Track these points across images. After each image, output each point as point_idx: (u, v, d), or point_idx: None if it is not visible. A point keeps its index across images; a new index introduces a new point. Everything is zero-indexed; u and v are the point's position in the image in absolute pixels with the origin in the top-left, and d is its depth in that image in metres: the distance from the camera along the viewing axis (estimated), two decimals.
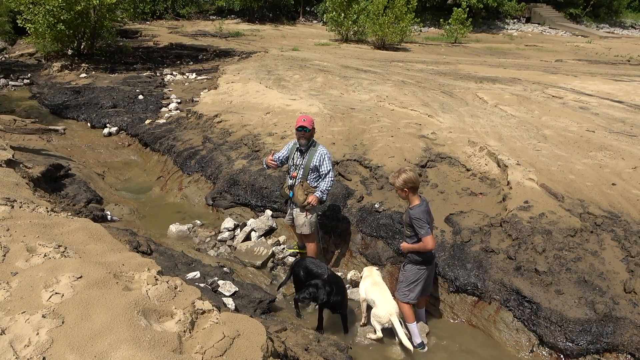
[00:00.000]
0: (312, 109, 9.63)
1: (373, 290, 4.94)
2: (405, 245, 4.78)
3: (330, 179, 5.62)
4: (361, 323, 5.16)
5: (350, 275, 5.92)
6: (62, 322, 2.50)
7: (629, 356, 4.37)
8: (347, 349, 4.24)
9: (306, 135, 5.59)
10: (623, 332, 4.44)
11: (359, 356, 4.63)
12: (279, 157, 5.87)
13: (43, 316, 2.52)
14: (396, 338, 4.80)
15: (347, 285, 5.60)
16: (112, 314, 2.57)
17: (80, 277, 2.88)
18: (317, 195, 5.56)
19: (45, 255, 3.16)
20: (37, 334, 2.41)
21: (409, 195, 4.61)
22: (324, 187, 5.60)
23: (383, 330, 4.83)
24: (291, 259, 6.30)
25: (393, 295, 4.94)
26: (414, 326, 4.85)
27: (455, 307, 5.36)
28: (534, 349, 4.72)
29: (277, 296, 5.45)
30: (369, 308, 5.01)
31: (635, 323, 4.46)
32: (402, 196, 4.76)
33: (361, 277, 5.35)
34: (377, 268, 5.40)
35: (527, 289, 4.95)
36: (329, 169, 5.60)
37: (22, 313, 2.54)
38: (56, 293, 2.72)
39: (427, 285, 4.95)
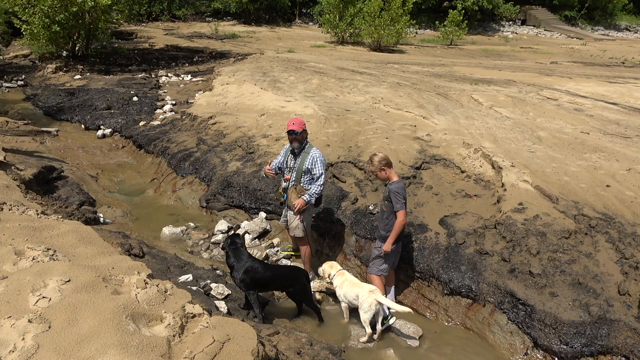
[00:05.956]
0: (307, 111, 9.61)
1: (352, 290, 5.02)
2: (387, 245, 5.08)
3: (320, 182, 5.58)
4: (345, 320, 5.21)
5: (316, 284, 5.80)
6: (49, 327, 2.47)
7: (623, 359, 4.35)
8: (340, 352, 4.21)
9: (298, 139, 5.56)
10: (617, 335, 4.43)
11: None
12: (276, 164, 5.87)
13: (29, 321, 2.48)
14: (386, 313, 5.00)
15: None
16: (100, 319, 2.54)
17: (69, 280, 2.84)
18: (305, 198, 5.53)
19: (33, 259, 3.12)
20: (23, 339, 2.37)
21: (387, 172, 5.08)
22: (313, 191, 5.56)
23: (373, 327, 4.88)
24: (285, 262, 6.27)
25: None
26: None
27: (449, 310, 5.34)
28: (529, 352, 4.71)
29: (269, 299, 5.42)
30: (353, 310, 5.13)
31: (629, 325, 4.45)
32: (382, 177, 5.16)
33: (330, 282, 5.35)
34: (339, 268, 5.37)
35: (521, 292, 4.93)
36: (321, 172, 5.57)
37: (7, 318, 2.50)
38: (43, 297, 2.68)
39: (395, 259, 5.38)
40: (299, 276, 5.14)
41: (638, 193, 6.04)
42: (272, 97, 11.15)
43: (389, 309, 5.00)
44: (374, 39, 22.89)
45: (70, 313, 2.57)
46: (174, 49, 20.79)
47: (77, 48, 17.51)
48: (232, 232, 6.82)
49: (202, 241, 6.73)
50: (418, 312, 5.45)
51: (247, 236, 6.69)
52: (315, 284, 5.67)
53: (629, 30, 38.14)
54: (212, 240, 6.71)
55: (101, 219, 6.76)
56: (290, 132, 5.53)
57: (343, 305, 5.18)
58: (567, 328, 4.55)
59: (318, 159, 5.58)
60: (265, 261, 5.95)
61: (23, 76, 16.46)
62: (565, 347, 4.50)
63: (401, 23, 22.72)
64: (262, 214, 7.02)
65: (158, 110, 12.07)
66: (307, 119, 8.12)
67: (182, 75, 15.98)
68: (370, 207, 6.42)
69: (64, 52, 17.60)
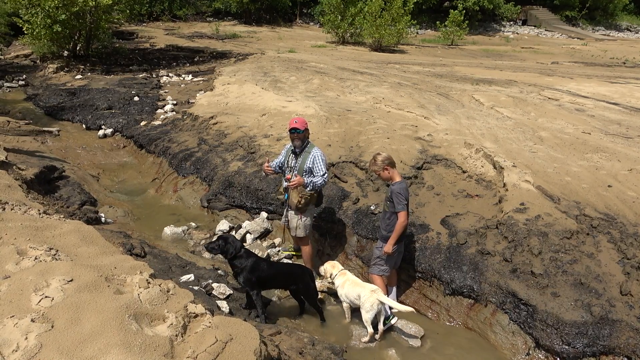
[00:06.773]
0: (308, 111, 9.61)
1: (354, 290, 5.01)
2: (388, 246, 5.08)
3: (324, 179, 5.57)
4: (346, 320, 5.21)
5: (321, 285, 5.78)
6: (52, 327, 2.47)
7: (625, 359, 4.35)
8: (342, 352, 4.20)
9: (300, 137, 5.56)
10: (619, 335, 4.43)
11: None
12: (276, 163, 5.86)
13: (32, 320, 2.48)
14: (388, 314, 4.97)
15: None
16: (103, 318, 2.54)
17: (71, 280, 2.84)
18: (305, 180, 5.51)
19: (36, 258, 3.12)
20: (26, 338, 2.37)
21: (390, 172, 5.08)
22: (315, 181, 5.53)
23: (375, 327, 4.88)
24: (287, 262, 6.27)
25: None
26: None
27: (451, 310, 5.34)
28: (530, 352, 4.70)
29: (272, 299, 5.42)
30: (354, 310, 5.13)
31: (631, 325, 4.44)
32: (385, 177, 5.16)
33: (332, 282, 5.34)
34: (341, 268, 5.38)
35: (523, 292, 4.93)
36: (323, 171, 5.56)
37: (10, 317, 2.50)
38: (46, 297, 2.68)
39: (397, 259, 5.36)
40: (303, 274, 5.15)
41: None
42: (273, 97, 11.14)
43: (390, 308, 4.99)
44: (375, 39, 22.89)
45: (73, 312, 2.57)
46: (175, 49, 20.79)
47: (78, 48, 17.52)
48: (232, 233, 6.83)
49: (203, 241, 6.72)
50: (420, 312, 5.45)
51: (248, 236, 6.70)
52: (316, 284, 5.66)
53: (630, 31, 38.13)
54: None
55: (102, 219, 6.76)
56: (292, 130, 5.52)
57: (345, 305, 5.18)
58: (569, 328, 4.55)
59: (319, 158, 5.57)
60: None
61: (24, 76, 16.46)
62: (567, 347, 4.49)
63: (402, 23, 22.72)
64: (264, 214, 7.02)
65: (159, 110, 12.08)
66: (309, 119, 8.10)
67: (183, 75, 15.98)
68: (371, 207, 6.42)
69: (65, 52, 17.61)
